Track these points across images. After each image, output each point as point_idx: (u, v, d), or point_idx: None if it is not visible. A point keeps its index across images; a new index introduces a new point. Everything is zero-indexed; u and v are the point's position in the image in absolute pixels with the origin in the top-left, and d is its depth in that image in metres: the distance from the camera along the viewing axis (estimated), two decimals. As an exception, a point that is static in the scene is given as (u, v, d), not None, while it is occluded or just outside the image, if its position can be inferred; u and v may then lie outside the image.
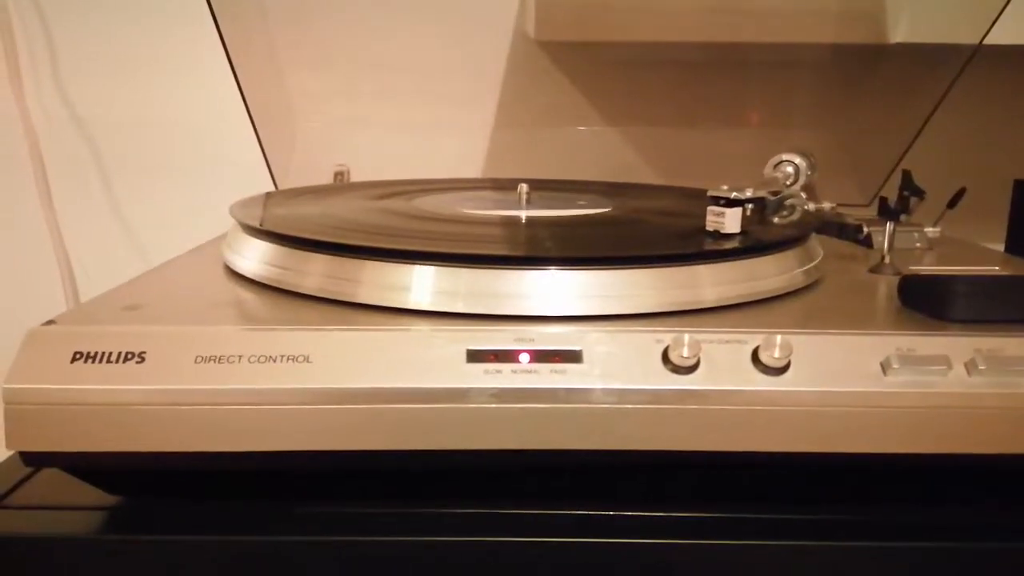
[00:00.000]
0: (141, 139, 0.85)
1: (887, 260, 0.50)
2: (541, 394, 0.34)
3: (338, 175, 0.78)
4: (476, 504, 0.37)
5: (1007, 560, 0.36)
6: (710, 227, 0.44)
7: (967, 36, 0.63)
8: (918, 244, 0.60)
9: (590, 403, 0.34)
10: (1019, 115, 0.79)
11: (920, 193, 0.48)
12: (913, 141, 0.71)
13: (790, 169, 0.65)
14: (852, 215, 0.62)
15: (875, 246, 0.59)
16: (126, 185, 0.87)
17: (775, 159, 0.66)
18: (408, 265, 0.39)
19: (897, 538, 0.36)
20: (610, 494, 0.38)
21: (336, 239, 0.42)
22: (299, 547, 0.35)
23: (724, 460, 0.35)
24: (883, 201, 0.49)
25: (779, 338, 0.34)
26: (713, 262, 0.40)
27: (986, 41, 0.63)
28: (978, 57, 0.66)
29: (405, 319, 0.37)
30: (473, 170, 0.87)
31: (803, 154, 0.67)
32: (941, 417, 0.34)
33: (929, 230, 0.61)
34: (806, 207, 0.62)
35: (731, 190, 0.44)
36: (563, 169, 0.83)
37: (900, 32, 0.73)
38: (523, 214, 0.52)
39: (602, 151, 0.87)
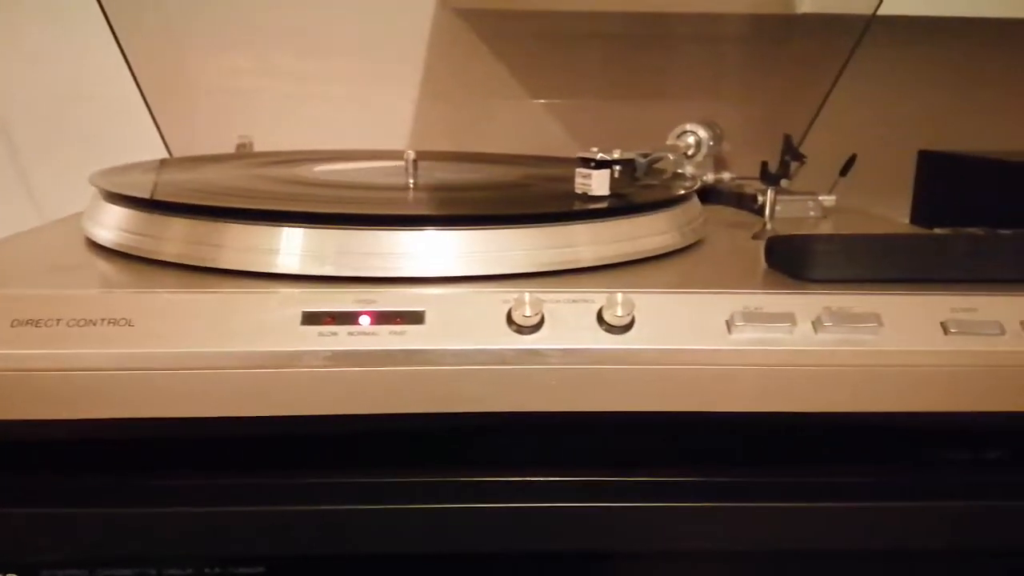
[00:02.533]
0: (38, 113, 0.82)
1: (768, 226, 0.50)
2: (377, 356, 0.33)
3: (240, 146, 0.76)
4: (337, 472, 0.36)
5: (857, 519, 0.36)
6: (578, 189, 0.43)
7: (863, 6, 0.64)
8: (812, 213, 0.60)
9: (430, 365, 0.33)
10: (924, 85, 0.79)
11: (800, 157, 0.48)
12: (818, 112, 0.71)
13: (691, 139, 0.65)
14: (753, 185, 0.62)
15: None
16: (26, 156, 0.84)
17: (678, 129, 0.66)
18: (256, 227, 0.37)
19: (746, 499, 0.36)
20: (467, 458, 0.37)
21: (175, 199, 0.40)
22: (138, 518, 0.34)
23: (568, 420, 0.34)
24: (764, 166, 0.48)
25: (620, 296, 0.33)
26: (567, 223, 0.39)
27: (881, 11, 0.63)
28: (879, 28, 0.66)
29: (265, 283, 0.36)
30: (398, 145, 0.85)
31: (707, 125, 0.66)
32: (786, 375, 0.34)
33: (824, 198, 0.61)
34: (691, 174, 0.62)
35: (600, 152, 0.43)
36: (489, 142, 0.81)
37: (806, 3, 0.73)
38: (395, 180, 0.51)
39: (528, 124, 0.86)
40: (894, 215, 0.74)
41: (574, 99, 0.85)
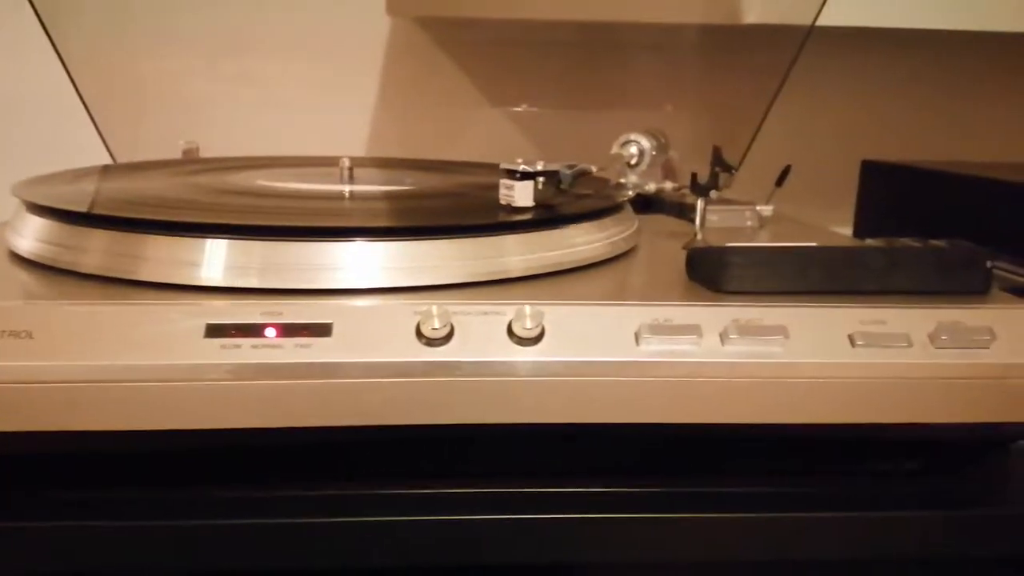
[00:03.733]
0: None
1: (699, 236, 0.50)
2: (281, 369, 0.32)
3: (186, 152, 0.75)
4: (246, 486, 0.36)
5: (767, 530, 0.36)
6: (502, 200, 0.43)
7: (803, 17, 0.64)
8: (749, 223, 0.61)
9: (335, 377, 0.33)
10: (869, 95, 0.81)
11: (729, 168, 0.49)
12: (763, 121, 0.72)
13: (634, 149, 0.65)
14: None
15: (707, 224, 0.59)
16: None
17: (622, 138, 0.67)
18: (169, 238, 0.37)
19: (653, 510, 0.36)
20: (376, 470, 0.37)
21: (87, 210, 0.39)
22: (33, 532, 0.33)
23: (476, 432, 0.34)
24: (693, 178, 0.49)
25: (528, 308, 0.34)
26: (486, 235, 0.39)
27: (822, 22, 0.64)
28: (822, 38, 0.67)
29: (179, 295, 0.35)
30: (354, 153, 0.85)
31: (652, 134, 0.67)
32: (692, 387, 0.34)
33: (761, 208, 0.62)
34: (634, 184, 0.62)
35: (524, 163, 0.43)
36: (447, 151, 0.82)
37: (753, 13, 0.74)
38: (323, 189, 0.51)
39: (488, 133, 0.87)
40: (839, 225, 0.75)
41: (533, 107, 0.85)
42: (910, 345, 0.35)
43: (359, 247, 0.37)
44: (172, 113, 0.79)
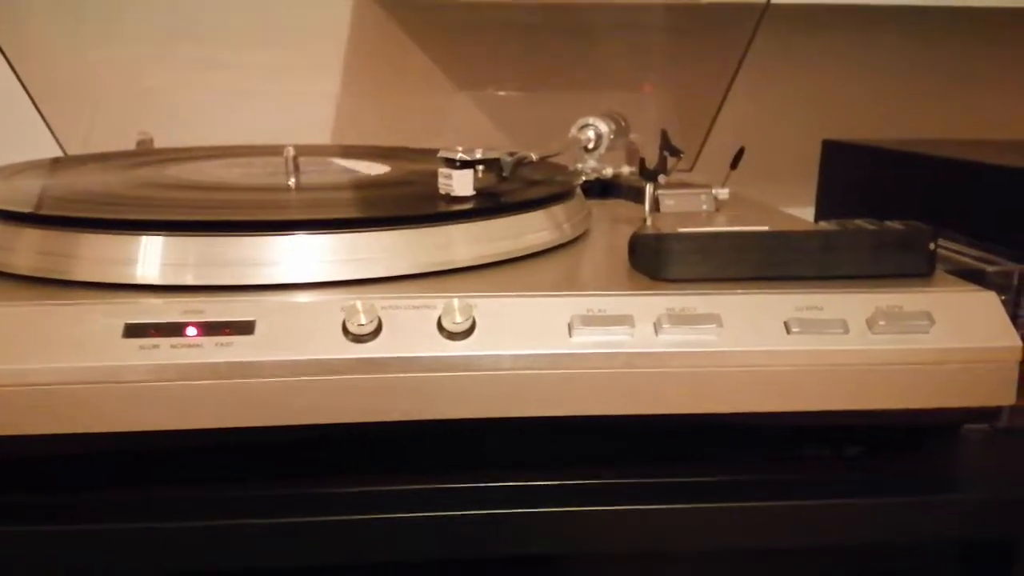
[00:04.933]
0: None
1: (648, 222, 0.50)
2: (201, 369, 0.32)
3: (140, 143, 0.74)
4: (176, 487, 0.35)
5: (711, 518, 0.36)
6: (441, 190, 0.42)
7: (760, -5, 0.64)
8: (704, 207, 0.60)
9: (257, 377, 0.32)
10: (830, 74, 0.80)
11: (676, 152, 0.48)
12: (723, 102, 0.71)
13: (591, 133, 0.64)
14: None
15: (662, 209, 0.59)
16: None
17: (580, 122, 0.66)
18: (96, 235, 0.36)
19: (596, 502, 0.35)
20: (308, 470, 0.36)
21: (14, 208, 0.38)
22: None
23: (406, 429, 0.33)
24: (641, 162, 0.48)
25: (457, 302, 0.33)
26: (424, 226, 0.38)
27: (776, 0, 0.63)
28: (779, 16, 0.66)
29: (115, 295, 0.34)
30: (321, 138, 0.83)
31: (610, 117, 0.66)
32: (625, 378, 0.34)
33: (718, 191, 0.61)
34: (591, 168, 0.61)
35: (462, 151, 0.42)
36: (413, 136, 0.80)
37: (710, -8, 0.73)
38: (264, 180, 0.50)
39: (455, 117, 0.85)
40: (801, 206, 0.75)
41: (500, 91, 0.84)
42: (847, 331, 0.35)
43: (288, 241, 0.36)
44: (127, 103, 0.77)
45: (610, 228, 0.51)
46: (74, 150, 0.72)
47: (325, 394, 0.32)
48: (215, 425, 0.32)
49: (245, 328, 0.32)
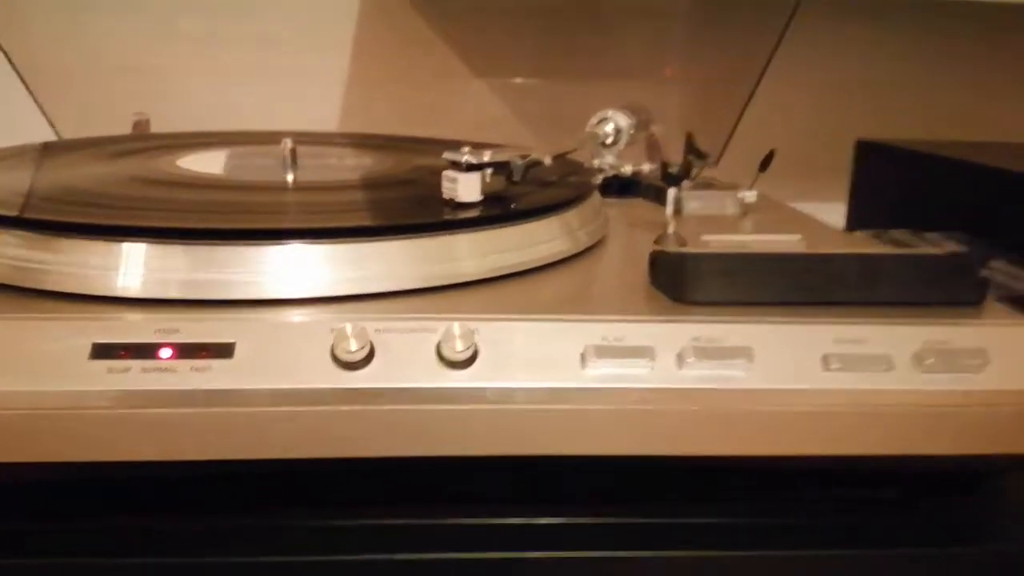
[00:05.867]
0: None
1: (670, 230, 0.46)
2: (173, 397, 0.28)
3: (137, 125, 0.71)
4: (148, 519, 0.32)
5: (735, 568, 0.33)
6: (445, 195, 0.38)
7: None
8: (730, 210, 0.57)
9: (236, 406, 0.29)
10: (865, 70, 0.76)
11: (703, 156, 0.44)
12: (752, 94, 0.67)
13: (610, 127, 0.61)
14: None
15: (685, 211, 0.55)
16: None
17: (599, 114, 0.62)
18: (70, 241, 0.32)
19: (610, 546, 0.32)
20: (293, 504, 0.34)
21: None
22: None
23: (401, 465, 0.30)
24: (663, 166, 0.44)
25: (458, 327, 0.30)
26: (426, 235, 0.35)
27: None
28: (815, 8, 0.62)
29: (85, 308, 0.31)
30: (328, 125, 0.80)
31: (631, 110, 0.62)
32: (643, 417, 0.30)
33: (744, 194, 0.57)
34: (610, 165, 0.58)
35: (470, 152, 0.39)
36: (425, 125, 0.77)
37: (742, -21, 0.69)
38: (256, 177, 0.46)
39: (471, 105, 0.82)
40: (831, 210, 0.71)
41: (518, 78, 0.80)
42: (891, 369, 0.31)
43: (274, 252, 0.32)
44: (124, 82, 0.74)
45: (629, 234, 0.48)
46: (68, 133, 0.69)
47: (310, 427, 0.29)
48: (188, 457, 0.29)
49: (224, 351, 0.29)
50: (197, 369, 0.29)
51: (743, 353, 0.31)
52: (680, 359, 0.30)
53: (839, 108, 0.75)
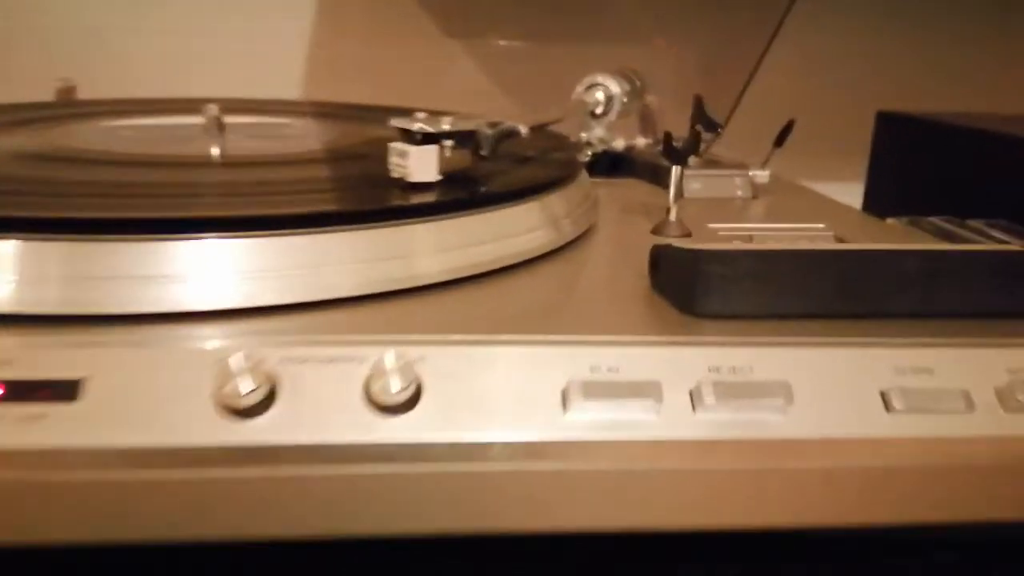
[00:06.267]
0: None
1: (672, 216, 0.38)
2: (-12, 459, 0.21)
3: (61, 92, 0.62)
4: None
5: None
6: (394, 173, 0.30)
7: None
8: (740, 192, 0.49)
9: (81, 469, 0.21)
10: (886, 34, 0.67)
11: (714, 127, 0.36)
12: (760, 60, 0.59)
13: (600, 95, 0.52)
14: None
15: (686, 192, 0.47)
16: None
17: (586, 80, 0.54)
18: None
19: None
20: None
21: None
22: None
23: (309, 546, 0.23)
24: (667, 139, 0.36)
25: (392, 356, 0.22)
26: (369, 226, 0.26)
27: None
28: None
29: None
30: (290, 91, 0.71)
31: (623, 76, 0.54)
32: (649, 479, 0.22)
33: (756, 173, 0.49)
34: (599, 138, 0.50)
35: (423, 120, 0.31)
36: (397, 92, 0.69)
37: (752, -73, 0.60)
38: (172, 149, 0.38)
39: (442, 67, 0.73)
40: (846, 188, 0.63)
41: (495, 39, 0.71)
42: (970, 408, 0.24)
43: (141, 250, 0.24)
44: (49, 43, 0.65)
45: (622, 221, 0.40)
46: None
47: (183, 499, 0.21)
48: (13, 539, 0.21)
49: (67, 392, 0.21)
50: (30, 417, 0.21)
51: (778, 389, 0.23)
52: (695, 398, 0.23)
53: (857, 75, 0.67)
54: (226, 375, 0.21)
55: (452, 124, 0.30)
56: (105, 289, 0.23)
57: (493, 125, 0.31)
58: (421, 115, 0.31)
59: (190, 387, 0.21)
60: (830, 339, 0.25)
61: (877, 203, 0.61)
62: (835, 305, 0.27)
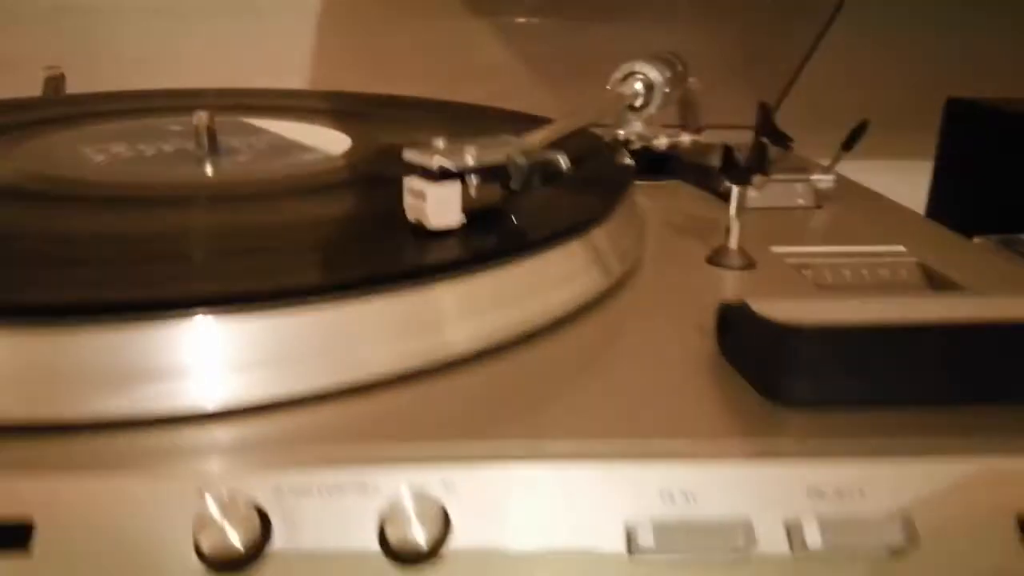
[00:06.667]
0: None
1: (732, 243, 0.33)
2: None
3: (49, 82, 0.58)
4: None
5: None
6: (410, 216, 0.25)
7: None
8: (801, 200, 0.43)
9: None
10: (957, 20, 0.61)
11: (784, 140, 0.31)
12: (817, 42, 0.53)
13: (639, 85, 0.47)
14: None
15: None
16: None
17: (622, 70, 0.48)
18: None
19: None
20: None
21: None
22: None
23: None
24: (727, 154, 0.30)
25: (411, 496, 0.17)
26: (338, 300, 0.21)
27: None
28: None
29: None
30: (297, 79, 0.67)
31: (663, 62, 0.48)
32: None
33: (818, 178, 0.44)
34: (638, 135, 0.44)
35: (442, 152, 0.25)
36: (413, 77, 0.64)
37: None
38: (148, 178, 0.32)
39: (467, 50, 0.68)
40: (913, 191, 0.57)
41: (525, 17, 0.66)
42: None
43: (92, 340, 0.19)
44: (39, 28, 0.61)
45: (670, 242, 0.35)
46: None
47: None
48: None
49: (16, 538, 0.17)
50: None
51: (898, 521, 0.18)
52: (792, 537, 0.18)
53: (922, 59, 0.61)
54: (202, 522, 0.17)
55: (477, 155, 0.25)
56: (61, 390, 0.19)
57: (527, 153, 0.26)
58: (439, 143, 0.26)
59: (166, 528, 0.17)
60: (953, 442, 0.20)
61: (942, 205, 0.55)
62: (947, 391, 0.22)
